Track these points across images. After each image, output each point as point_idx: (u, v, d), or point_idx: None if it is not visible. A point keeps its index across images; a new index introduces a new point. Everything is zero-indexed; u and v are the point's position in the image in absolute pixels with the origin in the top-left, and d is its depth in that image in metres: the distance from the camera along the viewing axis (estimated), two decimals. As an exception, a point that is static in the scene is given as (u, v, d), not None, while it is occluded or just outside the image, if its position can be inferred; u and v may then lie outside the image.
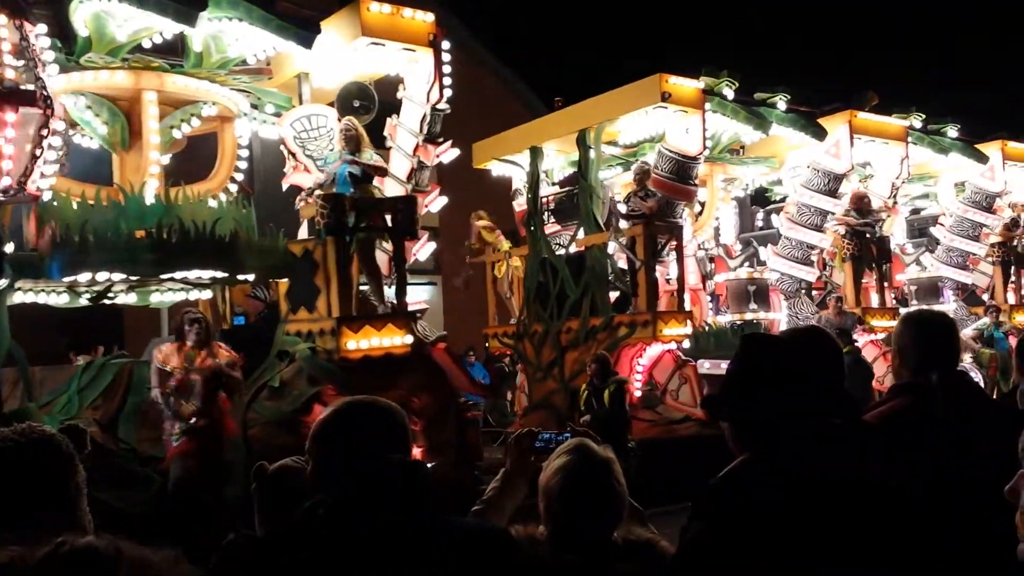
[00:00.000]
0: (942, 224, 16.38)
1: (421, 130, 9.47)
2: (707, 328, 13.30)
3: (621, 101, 11.86)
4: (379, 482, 1.92)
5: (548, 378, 12.58)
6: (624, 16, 33.25)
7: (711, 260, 15.01)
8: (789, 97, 12.43)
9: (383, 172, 9.11)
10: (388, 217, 8.80)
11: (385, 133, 9.90)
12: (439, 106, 9.42)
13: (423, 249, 10.09)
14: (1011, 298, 15.85)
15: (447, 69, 9.42)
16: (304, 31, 8.61)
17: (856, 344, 11.97)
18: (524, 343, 13.02)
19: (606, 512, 2.27)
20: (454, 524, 2.00)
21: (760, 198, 16.78)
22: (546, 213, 13.26)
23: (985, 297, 16.19)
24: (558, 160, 13.73)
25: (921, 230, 17.27)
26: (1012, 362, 13.83)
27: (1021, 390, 2.77)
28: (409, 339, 8.80)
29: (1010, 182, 16.00)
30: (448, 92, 9.43)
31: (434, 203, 9.90)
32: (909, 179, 15.00)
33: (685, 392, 11.56)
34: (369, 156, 8.86)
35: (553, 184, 13.87)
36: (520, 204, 13.64)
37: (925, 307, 10.91)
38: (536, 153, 13.00)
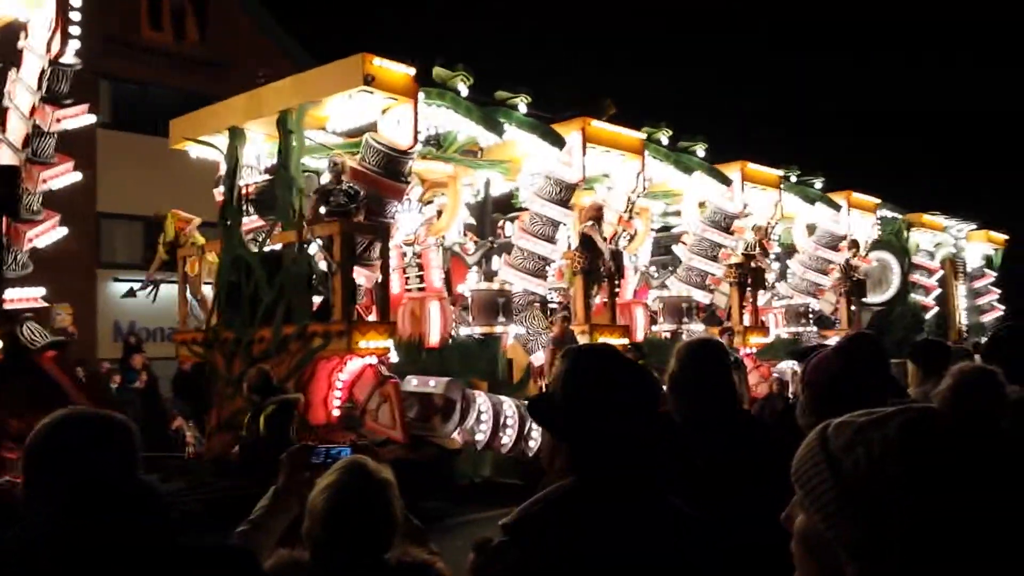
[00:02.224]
0: (684, 243, 16.16)
1: (39, 88, 7.70)
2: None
3: (324, 81, 10.51)
4: (95, 504, 1.71)
5: (238, 394, 10.98)
6: None
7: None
8: (530, 100, 11.51)
9: None
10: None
11: (5, 90, 8.07)
12: (63, 60, 7.69)
13: (48, 235, 8.25)
14: (747, 320, 15.83)
15: (76, 16, 7.72)
16: None
17: None
18: (215, 352, 11.35)
19: (375, 534, 2.16)
20: (190, 549, 1.80)
21: (507, 205, 15.96)
22: (247, 205, 11.69)
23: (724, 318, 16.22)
24: (268, 146, 12.14)
25: (667, 248, 17.04)
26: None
27: (800, 404, 2.61)
28: (-2, 345, 7.04)
29: (750, 204, 16.07)
30: (75, 44, 7.72)
31: (60, 179, 8.09)
32: (646, 194, 14.63)
33: (385, 412, 10.29)
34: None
35: (263, 173, 12.28)
36: (221, 193, 11.96)
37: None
38: (236, 135, 11.39)
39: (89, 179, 19.58)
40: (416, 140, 10.46)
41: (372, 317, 10.89)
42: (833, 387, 2.57)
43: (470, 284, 12.31)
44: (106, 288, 20.03)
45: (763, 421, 6.98)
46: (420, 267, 11.97)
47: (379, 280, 10.51)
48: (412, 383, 10.78)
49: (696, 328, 14.64)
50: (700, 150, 14.39)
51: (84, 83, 19.35)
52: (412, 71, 10.34)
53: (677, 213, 16.98)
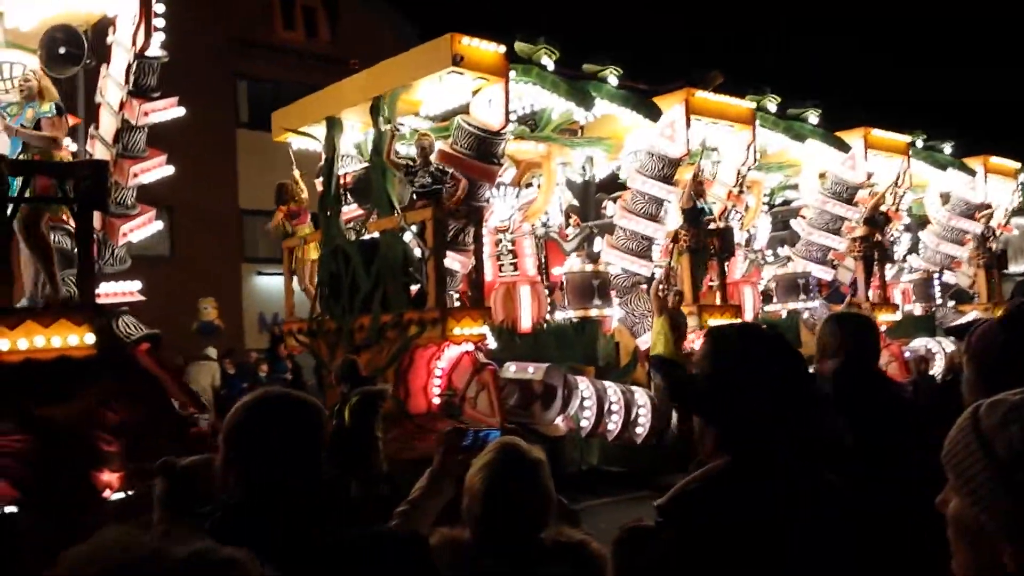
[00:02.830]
0: (803, 216, 15.29)
1: (127, 82, 7.78)
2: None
3: (413, 64, 10.30)
4: (280, 486, 1.83)
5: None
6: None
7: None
8: (621, 72, 11.02)
9: (47, 139, 7.35)
10: (71, 186, 7.13)
11: (98, 86, 8.21)
12: (149, 53, 7.73)
13: (144, 229, 8.36)
14: (872, 296, 14.86)
15: (160, 8, 7.75)
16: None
17: None
18: (319, 342, 11.40)
19: (531, 513, 2.20)
20: (363, 533, 1.93)
21: (613, 185, 15.53)
22: (346, 194, 11.66)
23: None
24: (370, 134, 12.07)
25: (785, 222, 16.19)
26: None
27: (966, 380, 2.36)
28: (91, 338, 7.11)
29: (875, 173, 15.06)
30: (161, 36, 7.75)
31: (151, 173, 8.17)
32: (760, 167, 13.96)
33: (483, 400, 10.07)
34: (49, 109, 7.15)
35: (363, 161, 12.23)
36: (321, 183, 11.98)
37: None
38: (333, 124, 11.36)
39: (230, 177, 20.40)
40: (508, 120, 10.14)
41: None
42: (1002, 360, 2.33)
43: (566, 267, 11.92)
44: (250, 281, 20.80)
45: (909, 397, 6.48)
46: (514, 254, 11.68)
47: (474, 265, 10.24)
48: (511, 370, 10.53)
49: (812, 306, 13.85)
50: (813, 116, 13.53)
51: (222, 84, 20.41)
52: (502, 49, 10.02)
53: (795, 186, 16.13)
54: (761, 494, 1.73)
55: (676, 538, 1.73)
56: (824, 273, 14.99)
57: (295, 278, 12.25)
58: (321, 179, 11.67)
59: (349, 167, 11.89)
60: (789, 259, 14.71)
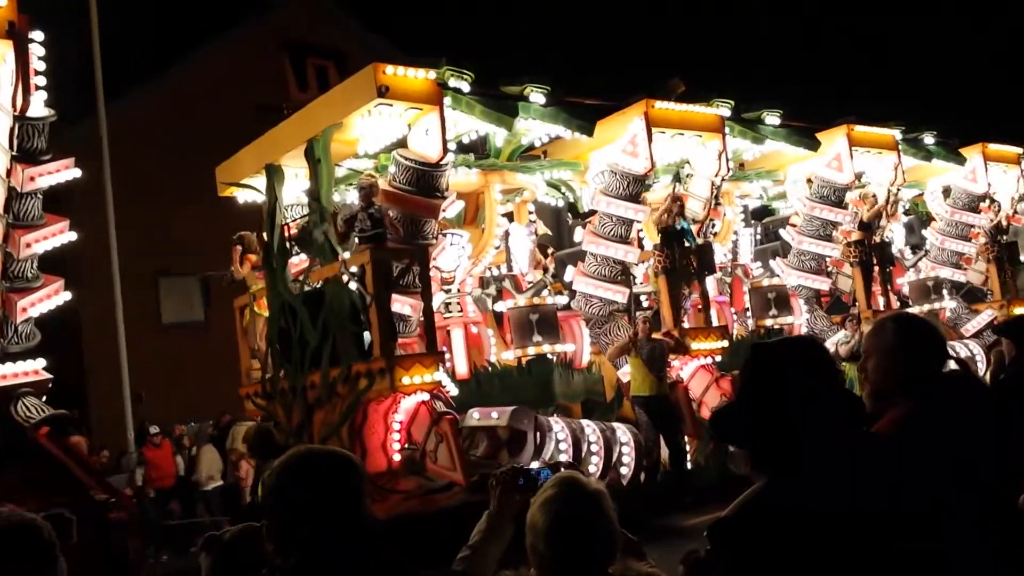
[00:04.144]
0: (792, 225, 14.48)
1: (11, 147, 7.23)
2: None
3: (342, 100, 9.72)
4: (337, 544, 1.83)
5: (299, 445, 10.28)
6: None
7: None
8: (548, 89, 10.41)
9: None
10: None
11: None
12: (31, 113, 7.19)
13: (47, 302, 7.74)
14: (877, 302, 14.00)
15: (40, 66, 7.22)
16: None
17: None
18: (275, 404, 10.72)
19: (597, 548, 2.17)
20: None
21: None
22: (292, 244, 11.04)
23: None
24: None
25: (775, 233, 15.41)
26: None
27: None
28: (-21, 426, 6.53)
29: (866, 172, 14.32)
30: (43, 95, 7.21)
31: (48, 242, 7.58)
32: (737, 176, 13.34)
33: (443, 452, 9.30)
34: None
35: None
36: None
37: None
38: (272, 172, 10.76)
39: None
40: (446, 150, 9.49)
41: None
42: None
43: (506, 304, 11.18)
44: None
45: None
46: (459, 305, 11.00)
47: (423, 308, 9.55)
48: (474, 416, 9.78)
49: (792, 321, 13.13)
50: (771, 117, 12.77)
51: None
52: (432, 75, 9.41)
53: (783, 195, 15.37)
54: (802, 509, 1.73)
55: (731, 562, 1.77)
56: (819, 283, 14.14)
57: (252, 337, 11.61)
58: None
59: (296, 216, 11.27)
60: (771, 273, 13.93)
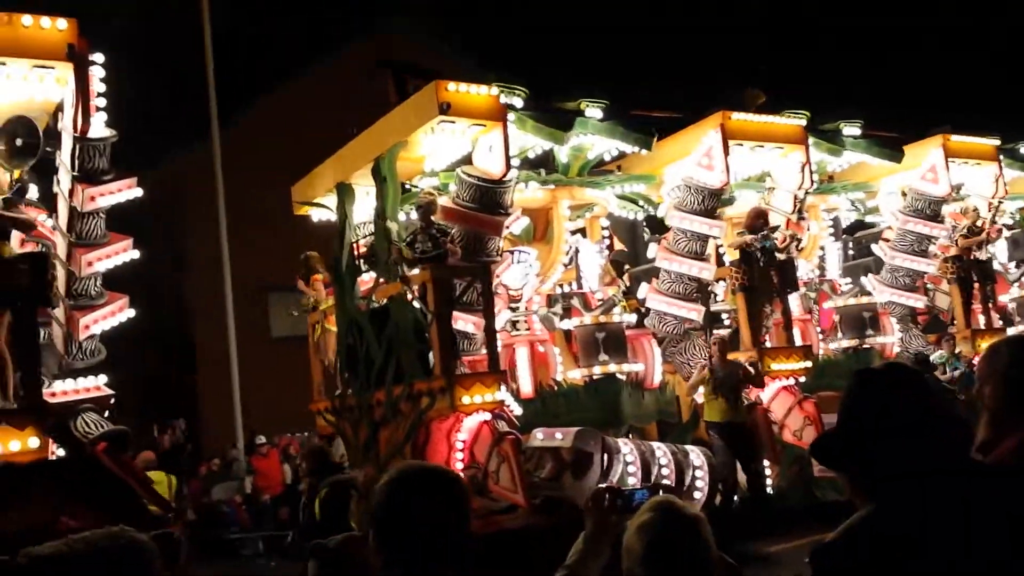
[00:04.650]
0: (885, 240, 13.75)
1: (72, 167, 7.41)
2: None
3: (406, 118, 9.68)
4: (440, 559, 1.89)
5: (367, 462, 10.26)
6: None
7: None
8: (606, 104, 10.16)
9: (20, 224, 7.08)
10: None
11: (56, 177, 7.91)
12: (93, 135, 7.35)
13: (111, 319, 7.90)
14: (976, 321, 13.14)
15: (101, 88, 7.39)
16: None
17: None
18: (344, 420, 10.73)
19: (694, 572, 2.20)
20: None
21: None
22: (361, 262, 11.05)
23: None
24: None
25: (867, 247, 14.68)
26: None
27: None
28: (35, 442, 6.64)
29: (965, 183, 13.52)
30: (103, 116, 7.37)
31: (109, 260, 7.73)
32: (824, 189, 12.75)
33: (504, 473, 9.09)
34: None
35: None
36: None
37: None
38: (343, 191, 10.82)
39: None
40: (509, 166, 9.32)
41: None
42: None
43: (574, 321, 10.86)
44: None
45: None
46: (526, 323, 10.77)
47: (485, 326, 9.37)
48: (538, 437, 9.53)
49: (883, 340, 12.37)
50: (849, 128, 12.13)
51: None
52: (495, 92, 9.27)
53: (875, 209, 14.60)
54: (904, 536, 1.72)
55: None
56: (913, 301, 13.36)
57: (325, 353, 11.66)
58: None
59: (367, 234, 11.29)
60: (861, 290, 13.16)
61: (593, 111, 9.98)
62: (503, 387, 9.20)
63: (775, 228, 11.31)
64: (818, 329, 13.34)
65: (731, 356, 10.58)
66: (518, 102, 9.54)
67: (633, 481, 9.85)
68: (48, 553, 1.71)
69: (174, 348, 21.80)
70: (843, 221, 15.12)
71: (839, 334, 12.82)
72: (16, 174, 8.17)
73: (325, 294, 11.62)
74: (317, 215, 11.98)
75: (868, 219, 15.36)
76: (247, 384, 15.38)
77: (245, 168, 17.92)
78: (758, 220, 11.27)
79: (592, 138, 10.33)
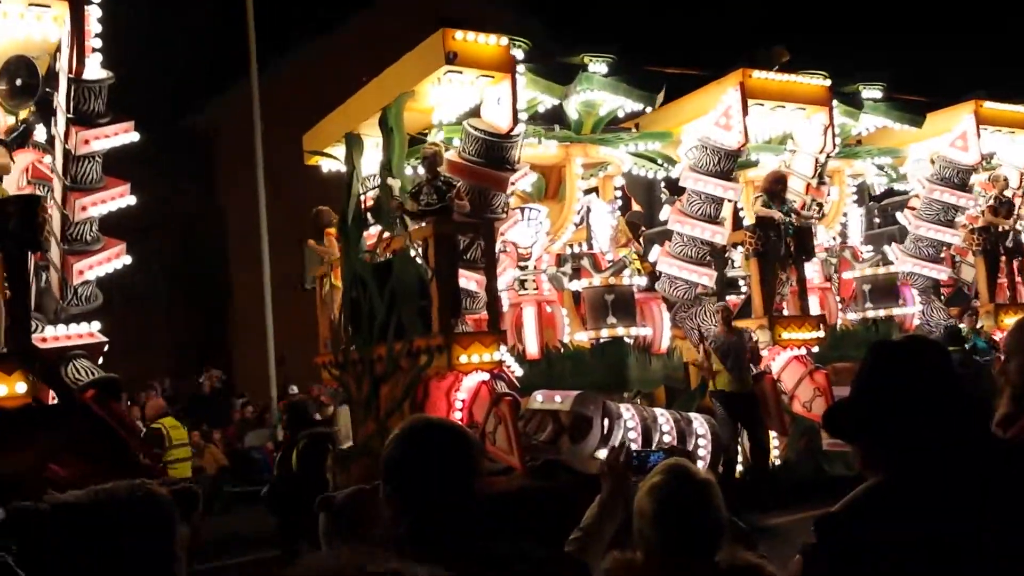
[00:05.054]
0: (911, 208, 13.34)
1: (68, 109, 7.28)
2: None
3: (412, 67, 9.44)
4: (448, 511, 1.91)
5: (368, 417, 10.20)
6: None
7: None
8: (613, 59, 9.84)
9: None
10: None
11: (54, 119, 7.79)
12: (89, 76, 7.21)
13: (106, 265, 7.82)
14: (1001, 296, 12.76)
15: (97, 28, 7.23)
16: None
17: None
18: (347, 374, 10.65)
19: (703, 536, 2.21)
20: (533, 555, 1.94)
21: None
22: (368, 215, 10.89)
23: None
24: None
25: (892, 216, 14.23)
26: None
27: None
28: (23, 387, 6.61)
29: (997, 152, 13.08)
30: (98, 57, 7.22)
31: (105, 205, 7.63)
32: (848, 153, 12.42)
33: (501, 435, 8.98)
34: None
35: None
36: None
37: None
38: (351, 141, 10.60)
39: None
40: (516, 120, 9.07)
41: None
42: None
43: (583, 282, 10.64)
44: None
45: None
46: (534, 282, 10.56)
47: (487, 284, 9.20)
48: (538, 399, 9.41)
49: (908, 311, 12.01)
50: (869, 91, 11.69)
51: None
52: (504, 42, 8.99)
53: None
54: (911, 510, 1.71)
55: (828, 560, 1.76)
56: (936, 272, 12.99)
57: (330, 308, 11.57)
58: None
59: (375, 187, 11.12)
60: (883, 259, 12.76)
61: (597, 66, 9.67)
62: (502, 347, 9.05)
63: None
64: (838, 298, 13.03)
65: (743, 324, 10.37)
66: (519, 54, 9.24)
67: (634, 447, 9.75)
68: (71, 501, 1.75)
69: (210, 296, 22.00)
70: (877, 188, 14.71)
71: (858, 303, 12.48)
72: (24, 114, 8.12)
73: (337, 248, 11.50)
74: (327, 166, 11.80)
75: (898, 187, 14.94)
76: (281, 333, 15.49)
77: (282, 116, 17.80)
78: (777, 185, 10.95)
79: (599, 94, 10.02)
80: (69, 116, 7.26)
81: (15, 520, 1.81)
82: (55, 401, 7.06)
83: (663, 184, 13.15)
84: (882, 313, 12.32)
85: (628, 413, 9.60)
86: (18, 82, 7.61)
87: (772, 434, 10.52)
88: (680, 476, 2.24)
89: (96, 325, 7.55)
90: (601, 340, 10.38)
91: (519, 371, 9.62)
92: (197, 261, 21.95)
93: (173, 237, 21.01)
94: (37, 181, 8.08)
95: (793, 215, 10.84)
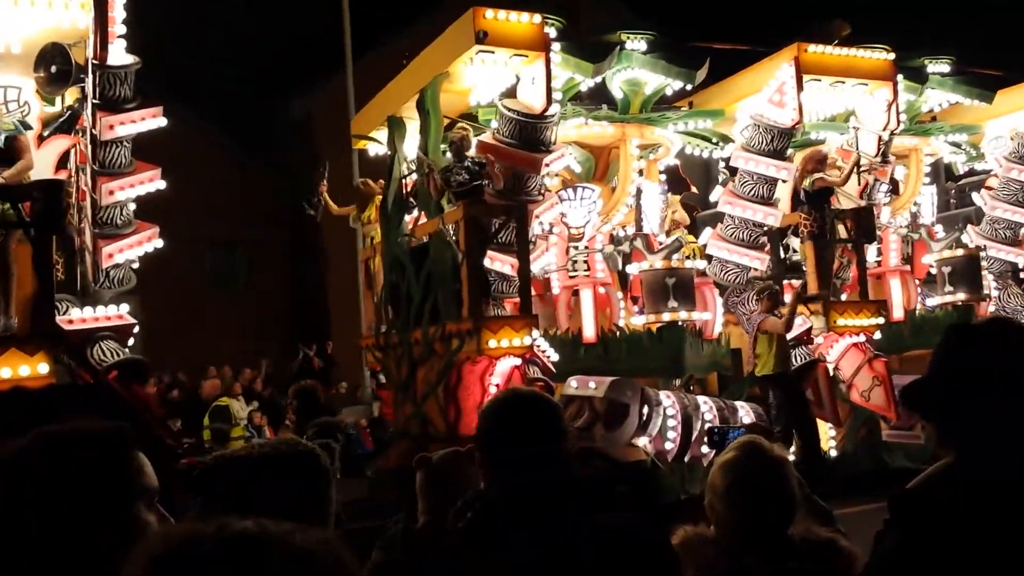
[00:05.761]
0: (988, 188, 12.57)
1: (94, 95, 7.40)
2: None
3: (446, 48, 9.28)
4: (540, 473, 2.00)
5: (407, 400, 10.19)
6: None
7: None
8: (653, 37, 9.47)
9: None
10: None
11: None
12: (112, 62, 7.31)
13: (138, 248, 7.94)
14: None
15: (120, 15, 7.31)
16: None
17: None
18: (388, 357, 10.65)
19: (773, 512, 2.24)
20: (606, 519, 1.98)
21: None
22: (410, 199, 10.82)
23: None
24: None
25: (969, 196, 13.45)
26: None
27: None
28: (46, 368, 6.75)
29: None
30: (122, 43, 7.31)
31: (133, 190, 7.73)
32: (917, 130, 11.71)
33: (533, 421, 8.82)
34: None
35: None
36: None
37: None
38: (394, 124, 10.55)
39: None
40: (550, 100, 8.83)
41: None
42: None
43: (640, 265, 10.29)
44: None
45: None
46: (587, 264, 10.27)
47: (519, 268, 9.01)
48: (572, 386, 9.19)
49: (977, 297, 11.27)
50: (935, 66, 10.96)
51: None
52: (537, 20, 8.75)
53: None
54: (982, 493, 1.68)
55: (900, 542, 1.74)
56: (1014, 256, 12.20)
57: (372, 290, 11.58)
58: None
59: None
60: (958, 241, 11.99)
61: (636, 43, 9.33)
62: (534, 332, 8.86)
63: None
64: (916, 281, 12.37)
65: (800, 310, 9.92)
66: (552, 32, 8.97)
67: (673, 435, 9.44)
68: (235, 455, 1.86)
69: (309, 278, 22.66)
70: (959, 167, 13.90)
71: (939, 287, 11.74)
72: (71, 99, 8.32)
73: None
74: (373, 149, 11.78)
75: (977, 167, 14.08)
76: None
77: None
78: (816, 164, 10.35)
79: (640, 72, 9.68)
80: (95, 102, 7.36)
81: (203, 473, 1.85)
82: (78, 382, 7.21)
83: (721, 164, 12.70)
84: (961, 297, 11.60)
85: (668, 400, 9.31)
86: (53, 69, 7.76)
87: (827, 425, 10.11)
88: (753, 453, 2.28)
89: (125, 307, 7.67)
90: (659, 324, 10.05)
91: (555, 356, 9.41)
92: (297, 242, 22.70)
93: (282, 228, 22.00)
94: (82, 166, 8.28)
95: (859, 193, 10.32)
